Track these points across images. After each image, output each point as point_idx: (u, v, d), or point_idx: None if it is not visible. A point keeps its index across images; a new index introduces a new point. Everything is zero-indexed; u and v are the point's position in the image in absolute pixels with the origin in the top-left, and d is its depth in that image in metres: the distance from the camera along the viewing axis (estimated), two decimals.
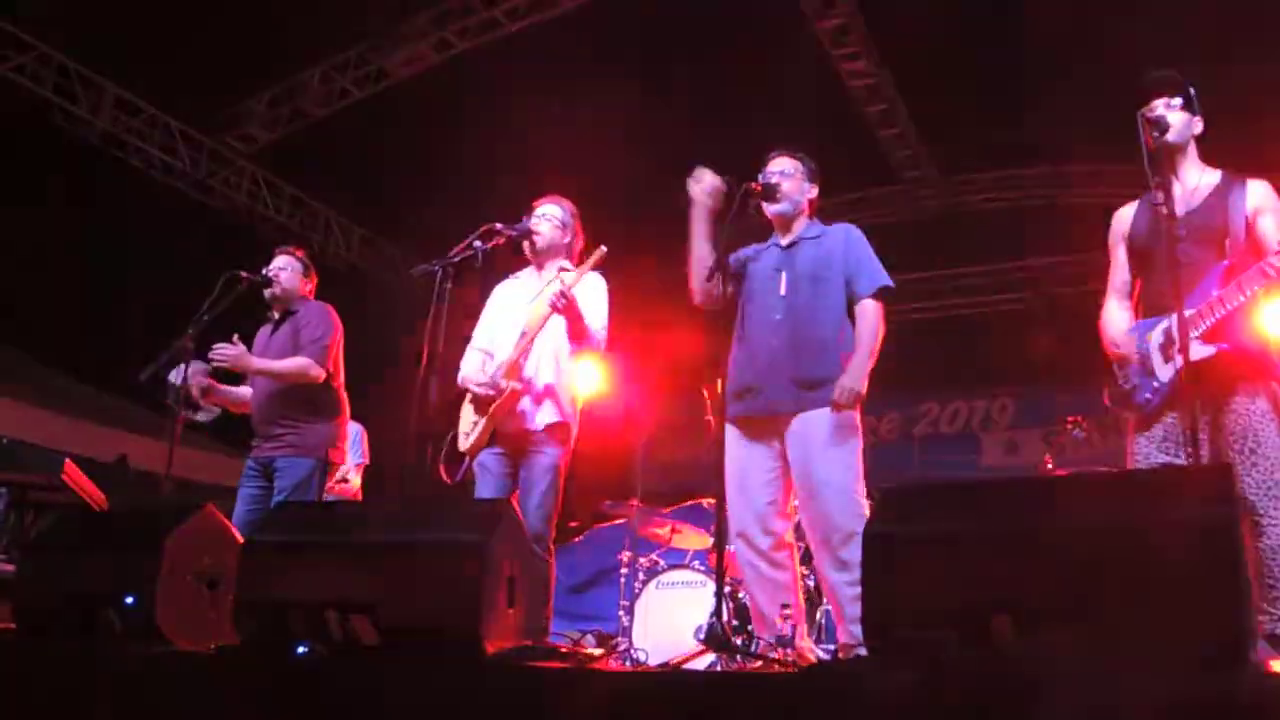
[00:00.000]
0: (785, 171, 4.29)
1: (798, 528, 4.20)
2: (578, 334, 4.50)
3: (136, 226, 8.24)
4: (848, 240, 4.23)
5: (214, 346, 4.92)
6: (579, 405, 4.67)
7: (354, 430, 6.72)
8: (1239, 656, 2.04)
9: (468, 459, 4.49)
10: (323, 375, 5.09)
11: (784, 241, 4.29)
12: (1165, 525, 2.19)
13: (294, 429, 5.02)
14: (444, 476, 4.48)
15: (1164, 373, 3.63)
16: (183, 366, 4.81)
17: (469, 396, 4.57)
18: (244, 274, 5.05)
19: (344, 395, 5.27)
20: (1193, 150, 3.79)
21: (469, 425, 4.53)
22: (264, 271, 5.19)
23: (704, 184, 4.11)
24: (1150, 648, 2.10)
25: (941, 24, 7.34)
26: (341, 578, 2.99)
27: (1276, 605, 3.32)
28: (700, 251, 4.16)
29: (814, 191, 4.36)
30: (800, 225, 4.30)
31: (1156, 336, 3.69)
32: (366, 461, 6.72)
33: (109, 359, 7.15)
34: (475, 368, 4.62)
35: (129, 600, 3.24)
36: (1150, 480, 2.88)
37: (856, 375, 3.96)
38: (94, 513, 5.14)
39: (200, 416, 5.01)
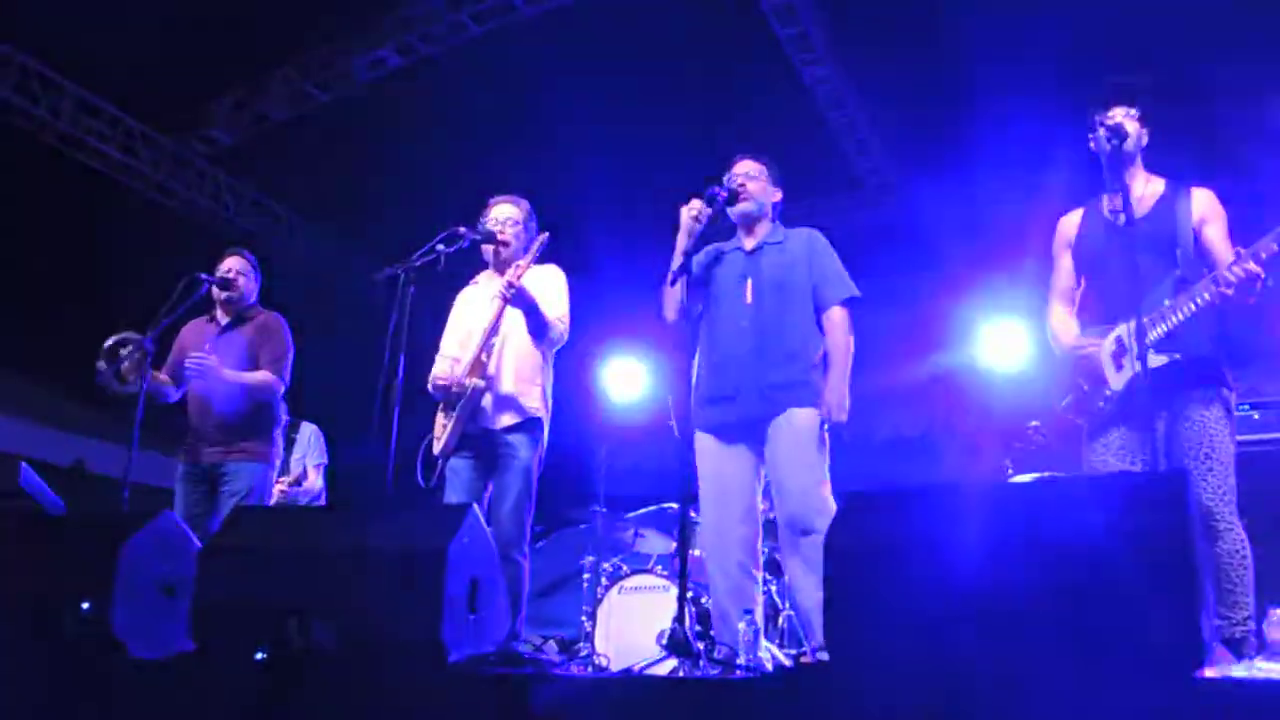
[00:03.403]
0: (750, 174, 4.32)
1: (766, 529, 4.22)
2: (535, 326, 4.48)
3: (95, 228, 8.14)
4: (812, 247, 4.26)
5: (189, 356, 4.94)
6: (549, 401, 4.65)
7: (310, 431, 6.70)
8: (1196, 663, 2.07)
9: (440, 462, 4.48)
10: (283, 391, 5.20)
11: (748, 246, 4.31)
12: (1123, 532, 2.21)
13: (252, 437, 5.05)
14: (420, 481, 4.48)
15: (1117, 380, 3.68)
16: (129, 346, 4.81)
17: (441, 403, 4.57)
18: (204, 277, 5.04)
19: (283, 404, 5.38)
20: (1139, 160, 3.87)
21: (440, 429, 4.51)
22: (218, 273, 5.18)
23: (695, 210, 4.09)
24: (1109, 654, 2.12)
25: (906, 32, 7.39)
26: (301, 584, 2.96)
27: (1235, 610, 3.37)
28: (681, 265, 4.16)
29: (778, 195, 4.39)
30: (764, 229, 4.33)
31: (1109, 344, 3.74)
32: (326, 461, 6.70)
33: (66, 361, 7.06)
34: (444, 373, 4.60)
35: (85, 606, 3.20)
36: (1108, 486, 2.91)
37: (840, 390, 4.01)
38: (50, 518, 5.07)
39: (125, 389, 4.92)
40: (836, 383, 4.02)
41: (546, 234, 4.50)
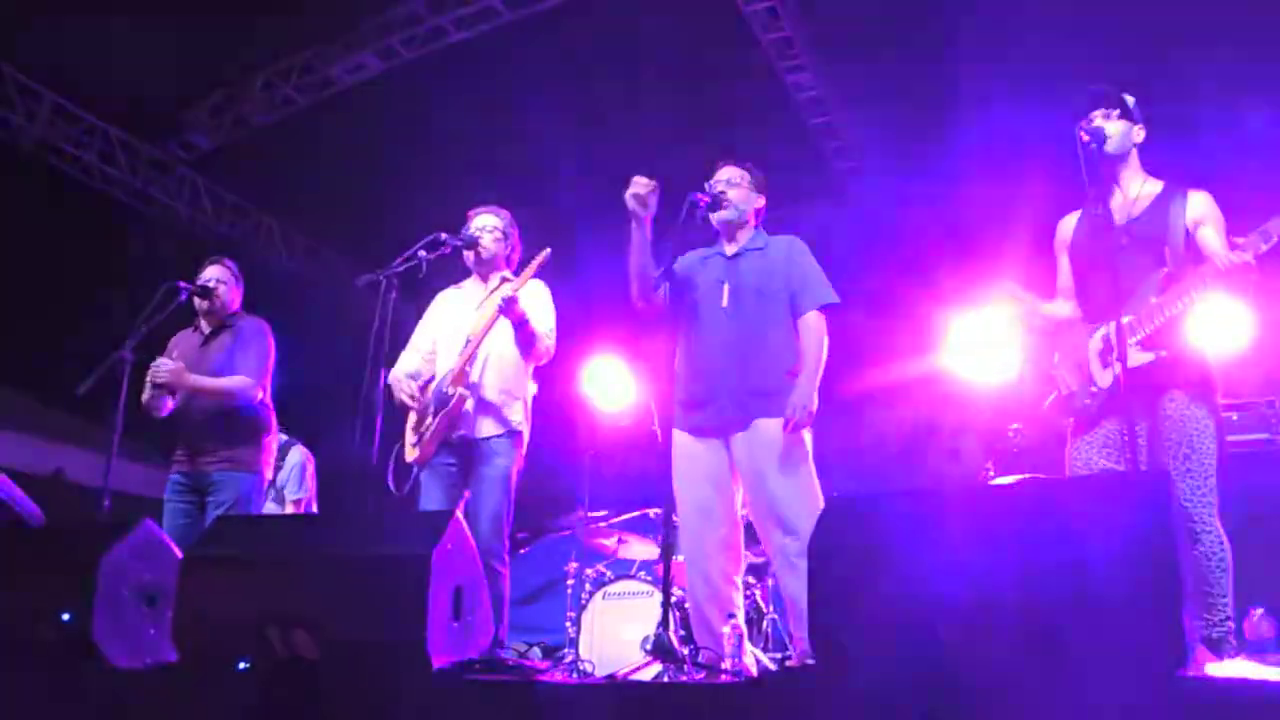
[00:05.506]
0: (732, 180, 4.32)
1: (748, 532, 4.21)
2: (525, 340, 4.48)
3: (73, 235, 8.09)
4: (791, 253, 4.26)
5: (154, 363, 4.89)
6: (529, 413, 4.64)
7: (297, 460, 6.51)
8: (1177, 663, 2.08)
9: (415, 470, 4.46)
10: (260, 394, 5.09)
11: (729, 251, 4.31)
12: (1104, 532, 2.22)
13: (235, 445, 4.97)
14: (392, 488, 4.44)
15: (1103, 379, 3.70)
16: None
17: (413, 411, 4.54)
18: (183, 285, 5.00)
19: (273, 411, 5.25)
20: (1134, 159, 3.85)
21: (413, 436, 4.49)
22: (199, 282, 5.13)
23: (634, 189, 4.06)
24: (1092, 654, 2.13)
25: (888, 37, 7.42)
26: (283, 592, 2.95)
27: (1213, 612, 3.38)
28: (640, 261, 4.16)
29: (760, 201, 4.38)
30: (746, 235, 4.32)
31: (1095, 343, 3.76)
32: (305, 496, 6.48)
33: (45, 369, 7.01)
34: (407, 369, 4.58)
35: (65, 617, 3.18)
36: (1090, 487, 2.92)
37: (806, 393, 4.00)
38: (29, 528, 5.03)
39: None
40: (804, 385, 4.02)
41: (548, 250, 4.46)
